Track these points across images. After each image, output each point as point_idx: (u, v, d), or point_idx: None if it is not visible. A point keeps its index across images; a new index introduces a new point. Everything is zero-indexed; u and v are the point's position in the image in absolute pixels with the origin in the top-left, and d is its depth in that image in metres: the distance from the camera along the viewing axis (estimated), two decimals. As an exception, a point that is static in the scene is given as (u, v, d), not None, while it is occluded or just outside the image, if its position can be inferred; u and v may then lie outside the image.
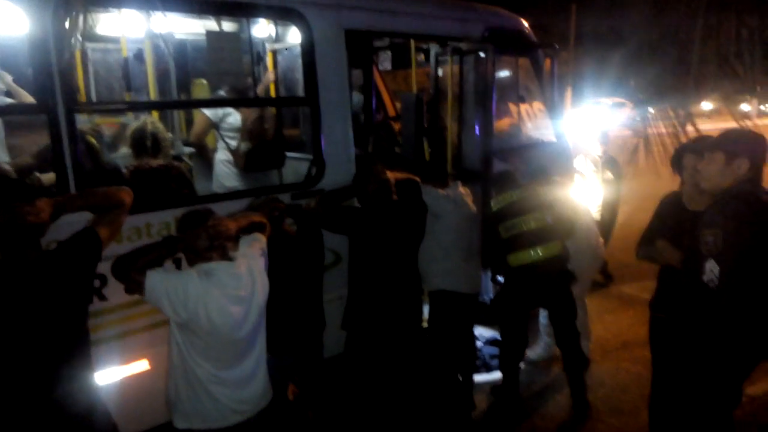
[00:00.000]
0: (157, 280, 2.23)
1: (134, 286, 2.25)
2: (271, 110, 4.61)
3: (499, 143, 4.79)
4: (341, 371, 3.61)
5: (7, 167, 3.28)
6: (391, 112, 6.33)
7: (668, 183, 3.21)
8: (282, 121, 4.84)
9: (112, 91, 4.80)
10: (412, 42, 4.80)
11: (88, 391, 2.19)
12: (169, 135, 3.96)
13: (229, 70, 3.44)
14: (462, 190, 3.85)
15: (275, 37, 4.89)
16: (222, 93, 4.42)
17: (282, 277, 2.77)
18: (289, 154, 4.33)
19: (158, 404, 2.54)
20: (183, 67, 4.88)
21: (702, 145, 2.77)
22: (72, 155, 2.70)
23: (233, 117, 4.47)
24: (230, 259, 2.43)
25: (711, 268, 2.44)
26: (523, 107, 5.18)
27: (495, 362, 4.67)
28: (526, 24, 5.19)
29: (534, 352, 4.75)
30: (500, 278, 4.52)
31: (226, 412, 2.39)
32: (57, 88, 2.63)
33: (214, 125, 4.48)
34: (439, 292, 3.81)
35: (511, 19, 5.07)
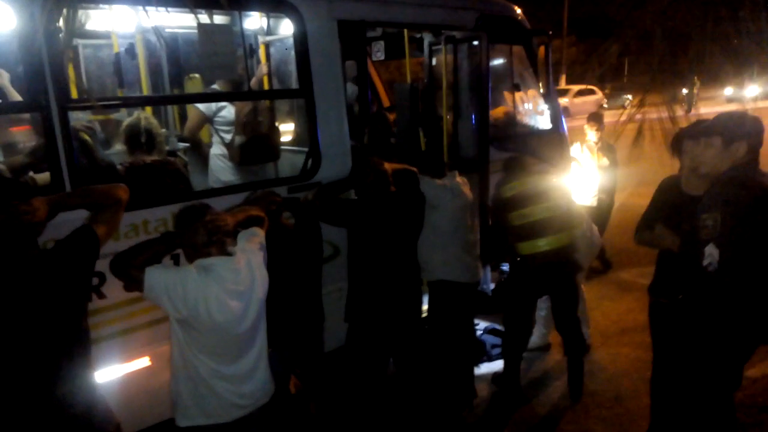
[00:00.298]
0: (155, 277, 2.22)
1: (133, 283, 2.24)
2: (265, 103, 4.58)
3: (494, 131, 4.78)
4: (343, 364, 3.62)
5: (1, 166, 3.25)
6: (386, 103, 6.30)
7: (666, 168, 3.21)
8: (276, 114, 4.81)
9: (104, 88, 4.76)
10: (405, 32, 4.77)
11: (88, 390, 2.18)
12: (163, 130, 3.93)
13: (221, 63, 3.40)
14: (459, 179, 3.83)
15: (267, 29, 4.85)
16: (215, 87, 4.39)
17: (280, 271, 2.76)
18: (284, 147, 4.31)
19: (160, 401, 2.54)
20: (175, 61, 4.84)
21: (700, 129, 2.77)
22: (66, 153, 2.68)
23: (227, 110, 4.43)
24: (229, 254, 2.41)
25: (710, 252, 2.44)
26: (518, 95, 5.16)
27: (495, 351, 4.69)
28: (519, 11, 5.17)
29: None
30: (504, 267, 4.49)
31: (228, 407, 2.38)
32: (49, 85, 2.60)
33: (208, 119, 4.45)
34: (439, 282, 3.81)
35: (504, 7, 5.05)
